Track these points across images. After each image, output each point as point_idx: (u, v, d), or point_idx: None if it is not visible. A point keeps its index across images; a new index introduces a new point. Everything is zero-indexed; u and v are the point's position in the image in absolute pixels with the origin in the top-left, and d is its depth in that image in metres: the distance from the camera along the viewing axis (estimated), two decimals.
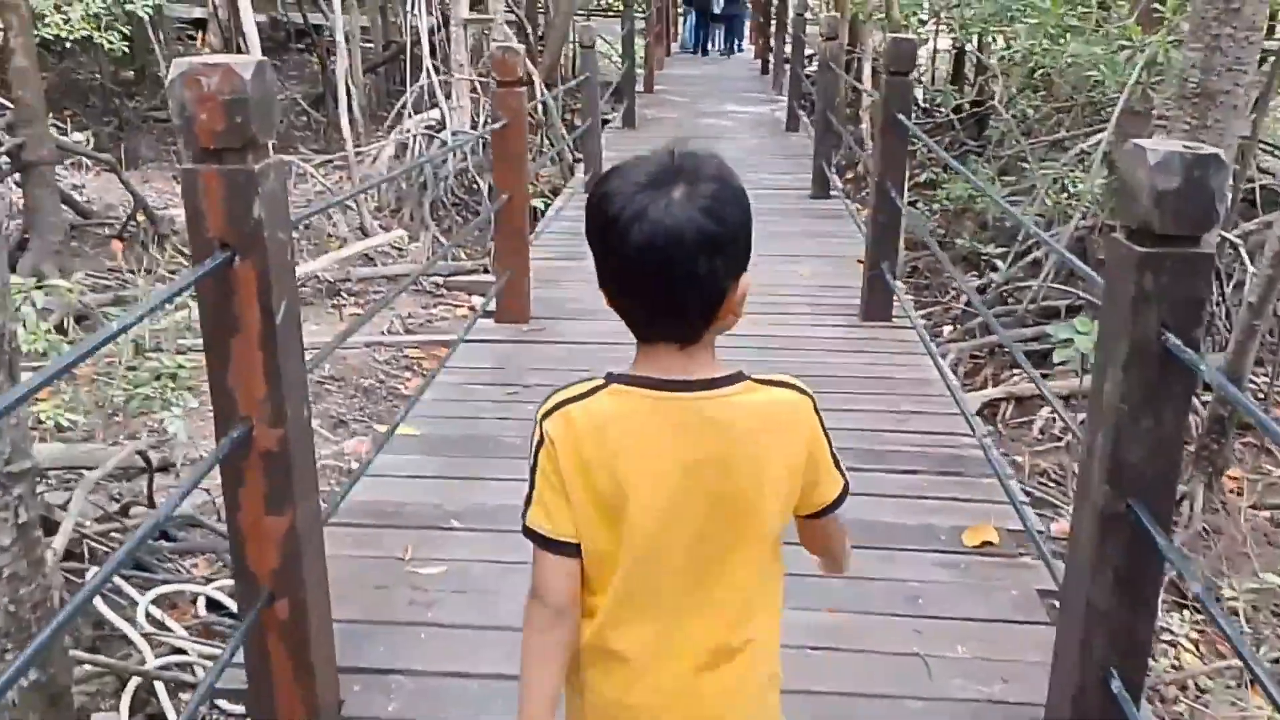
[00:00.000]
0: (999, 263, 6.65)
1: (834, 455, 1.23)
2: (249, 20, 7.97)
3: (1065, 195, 6.62)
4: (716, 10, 18.75)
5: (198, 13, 15.29)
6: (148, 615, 3.14)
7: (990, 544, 2.85)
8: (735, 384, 1.16)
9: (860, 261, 5.48)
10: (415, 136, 9.30)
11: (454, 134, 9.21)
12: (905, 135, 4.23)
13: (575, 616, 1.20)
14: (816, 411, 1.21)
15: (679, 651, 1.19)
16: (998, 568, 2.74)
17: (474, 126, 9.42)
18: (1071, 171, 6.62)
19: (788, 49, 12.53)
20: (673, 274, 1.07)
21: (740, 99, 11.96)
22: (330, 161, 9.59)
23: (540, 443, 1.17)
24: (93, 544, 3.34)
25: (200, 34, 16.16)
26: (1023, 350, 6.22)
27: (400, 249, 8.34)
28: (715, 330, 1.15)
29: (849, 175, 12.28)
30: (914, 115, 4.56)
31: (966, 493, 3.12)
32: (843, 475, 1.25)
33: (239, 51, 13.48)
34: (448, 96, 9.65)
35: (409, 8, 8.91)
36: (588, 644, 1.21)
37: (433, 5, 9.38)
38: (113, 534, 3.36)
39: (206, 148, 1.67)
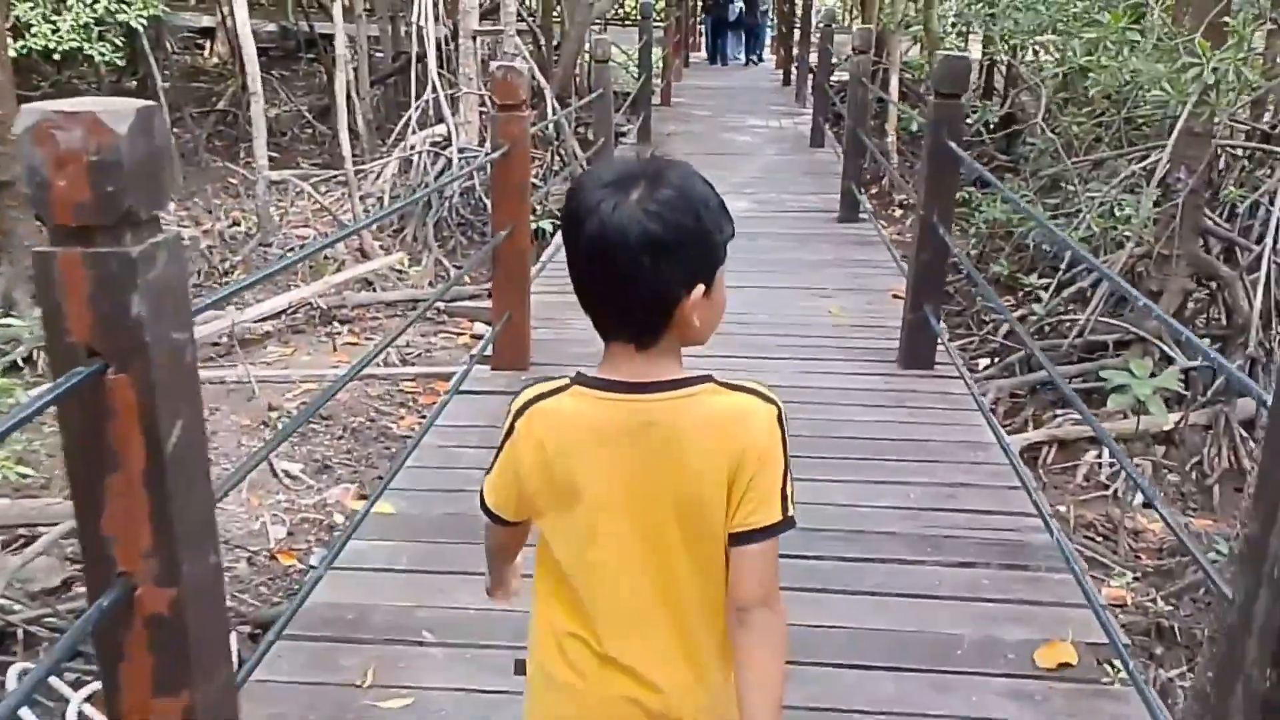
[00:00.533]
0: (1041, 293, 6.18)
1: (785, 482, 1.17)
2: (245, 29, 7.57)
3: (1114, 220, 6.15)
4: (731, 18, 18.41)
5: (206, 21, 14.99)
6: (80, 717, 2.72)
7: (1068, 665, 2.39)
8: (694, 386, 1.17)
9: (896, 296, 5.02)
10: (420, 153, 8.89)
11: (460, 151, 8.80)
12: (956, 164, 3.78)
13: (515, 556, 1.43)
14: (780, 425, 1.18)
15: (640, 650, 1.21)
16: (1082, 698, 2.28)
17: (482, 143, 9.02)
18: (1121, 195, 6.15)
19: (812, 58, 12.09)
20: (616, 271, 1.11)
21: (762, 112, 11.49)
22: (333, 177, 9.18)
23: (509, 434, 1.24)
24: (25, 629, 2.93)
25: (209, 42, 15.88)
26: (1074, 386, 5.79)
27: (401, 272, 7.92)
28: (678, 339, 1.17)
29: (873, 189, 11.85)
30: None
31: (1034, 593, 2.66)
32: (786, 509, 1.17)
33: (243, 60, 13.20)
34: (455, 111, 9.26)
35: (417, 18, 8.50)
36: (556, 631, 1.25)
37: (441, 15, 8.97)
38: (45, 620, 2.93)
39: (65, 225, 1.23)
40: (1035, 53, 8.54)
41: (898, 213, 10.07)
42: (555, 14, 12.38)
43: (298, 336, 7.01)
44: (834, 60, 9.39)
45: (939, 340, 4.05)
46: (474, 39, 9.05)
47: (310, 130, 12.80)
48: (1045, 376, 5.78)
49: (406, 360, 6.63)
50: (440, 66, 9.02)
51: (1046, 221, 4.00)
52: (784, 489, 1.16)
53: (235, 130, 12.19)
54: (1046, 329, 6.11)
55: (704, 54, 18.03)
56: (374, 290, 7.82)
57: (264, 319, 7.00)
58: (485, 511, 1.31)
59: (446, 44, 9.19)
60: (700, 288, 1.13)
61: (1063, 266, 6.18)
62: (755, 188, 7.55)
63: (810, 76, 12.12)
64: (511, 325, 3.98)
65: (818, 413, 3.64)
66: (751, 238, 6.11)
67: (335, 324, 7.24)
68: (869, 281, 5.34)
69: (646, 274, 1.10)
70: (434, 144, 9.06)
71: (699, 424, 1.16)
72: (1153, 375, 5.59)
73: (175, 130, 11.98)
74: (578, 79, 11.59)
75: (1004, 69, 8.89)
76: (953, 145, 3.61)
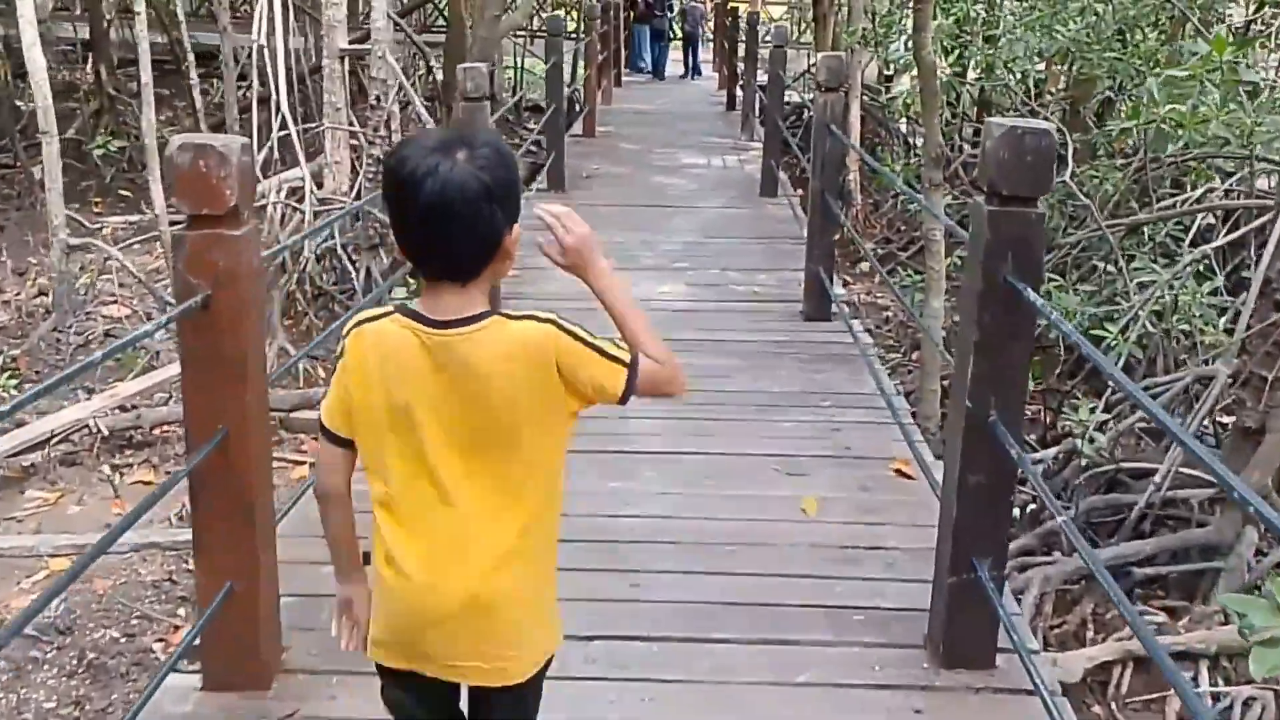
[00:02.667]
0: (1081, 410, 4.48)
1: (598, 345, 1.42)
2: (33, 45, 5.62)
3: (1182, 319, 4.52)
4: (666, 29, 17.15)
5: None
6: None
7: None
8: (483, 320, 1.40)
9: (901, 472, 3.31)
10: (273, 204, 7.01)
11: (321, 203, 6.93)
12: (1032, 320, 2.07)
13: (345, 499, 1.55)
14: (561, 329, 1.41)
15: (459, 544, 1.43)
16: None
17: (352, 188, 7.17)
18: (1183, 283, 4.52)
19: (758, 77, 10.40)
20: (458, 218, 1.33)
21: (702, 146, 9.69)
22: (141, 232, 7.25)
23: (340, 355, 1.46)
24: None
25: (90, 55, 13.68)
26: (1146, 573, 4.12)
27: None
28: (493, 274, 1.41)
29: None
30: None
31: None
32: (621, 353, 1.43)
33: (127, 76, 11.13)
34: (319, 150, 7.39)
35: (256, 34, 6.61)
36: (386, 535, 1.46)
37: (294, 28, 7.11)
38: None
39: None
40: (1037, 83, 6.93)
41: (863, 266, 8.42)
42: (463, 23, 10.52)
43: (71, 472, 5.11)
44: (787, 84, 7.67)
45: (1000, 623, 2.30)
46: (341, 60, 7.21)
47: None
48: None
49: None
50: (295, 94, 7.16)
51: (1067, 326, 2.37)
52: (601, 350, 1.42)
53: (84, 165, 10.19)
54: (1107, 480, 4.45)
55: (627, 68, 16.31)
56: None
57: (22, 450, 5.10)
58: (323, 433, 1.50)
59: (300, 64, 7.31)
60: (516, 226, 1.40)
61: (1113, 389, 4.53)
62: (691, 260, 5.78)
63: (757, 101, 10.42)
64: (235, 607, 2.16)
65: None
66: (688, 349, 4.36)
67: (129, 450, 5.36)
68: (857, 439, 3.58)
69: (483, 219, 1.34)
70: (294, 191, 7.19)
71: (495, 351, 1.39)
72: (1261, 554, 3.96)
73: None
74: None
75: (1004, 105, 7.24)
76: (1029, 294, 1.88)
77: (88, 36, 11.67)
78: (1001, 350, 2.12)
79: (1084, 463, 4.37)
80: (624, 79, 15.22)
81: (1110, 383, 4.59)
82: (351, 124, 7.30)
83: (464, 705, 1.60)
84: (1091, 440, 4.13)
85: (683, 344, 4.45)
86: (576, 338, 1.41)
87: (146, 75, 5.67)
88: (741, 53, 12.72)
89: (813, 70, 12.09)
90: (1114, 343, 4.50)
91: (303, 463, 5.33)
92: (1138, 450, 4.95)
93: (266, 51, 6.44)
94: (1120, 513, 4.64)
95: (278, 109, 6.75)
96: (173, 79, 11.71)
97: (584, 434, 3.58)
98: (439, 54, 11.44)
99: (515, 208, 1.39)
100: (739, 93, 12.34)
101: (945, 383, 5.28)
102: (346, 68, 7.22)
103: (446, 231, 1.33)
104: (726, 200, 7.34)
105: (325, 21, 7.15)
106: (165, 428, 5.46)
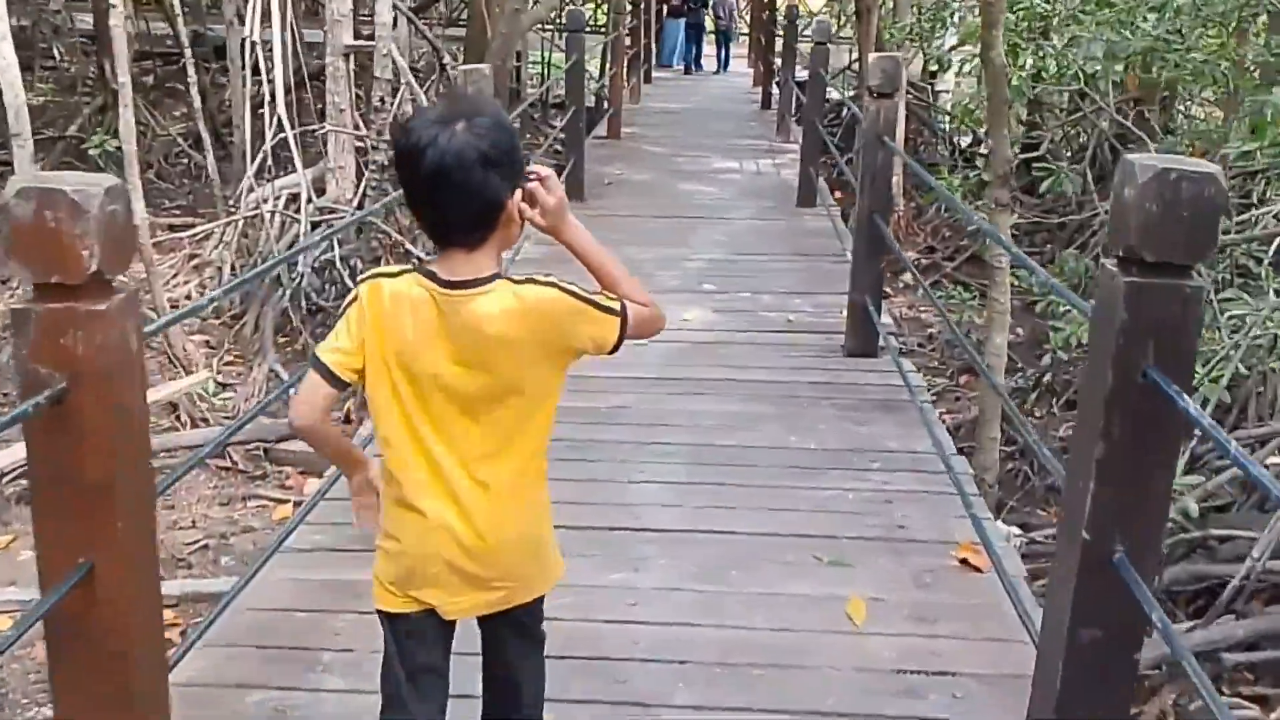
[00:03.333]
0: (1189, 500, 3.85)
1: (593, 300, 1.53)
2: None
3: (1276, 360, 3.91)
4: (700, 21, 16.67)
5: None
6: None
7: None
8: (492, 283, 1.49)
9: (966, 562, 2.77)
10: (270, 213, 6.53)
11: (321, 211, 6.45)
12: (1178, 433, 1.51)
13: (322, 425, 1.60)
14: (562, 290, 1.51)
15: (465, 486, 1.54)
16: None
17: (355, 193, 6.68)
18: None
19: (793, 72, 9.80)
20: (457, 187, 1.43)
21: (734, 149, 9.08)
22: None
23: (353, 300, 1.53)
24: None
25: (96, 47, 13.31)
26: (1236, 659, 3.54)
27: (207, 396, 5.55)
28: (502, 240, 1.52)
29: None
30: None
31: None
32: (612, 303, 1.55)
33: (141, 70, 10.68)
34: (323, 154, 6.91)
35: (249, 31, 6.12)
36: (397, 479, 1.56)
37: (292, 22, 6.61)
38: None
39: None
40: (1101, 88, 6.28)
41: (905, 278, 7.80)
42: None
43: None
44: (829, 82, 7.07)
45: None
46: (346, 58, 6.71)
47: (185, 161, 10.39)
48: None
49: (176, 560, 4.29)
50: (294, 95, 6.67)
51: (1234, 447, 1.77)
52: (596, 304, 1.53)
53: (86, 163, 9.76)
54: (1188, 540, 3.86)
55: (654, 63, 15.79)
56: (176, 422, 5.49)
57: None
58: (316, 367, 1.53)
59: (303, 60, 6.81)
60: (518, 192, 1.49)
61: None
62: (718, 280, 5.22)
63: (795, 100, 9.82)
64: None
65: None
66: (712, 390, 3.83)
67: None
68: (912, 515, 3.01)
69: (480, 184, 1.43)
70: (295, 199, 6.71)
71: (499, 312, 1.48)
72: None
73: None
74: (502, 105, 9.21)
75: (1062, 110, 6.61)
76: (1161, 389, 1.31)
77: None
78: (1137, 470, 1.56)
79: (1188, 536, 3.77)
80: (654, 75, 14.63)
81: (1198, 434, 3.99)
82: (358, 126, 6.82)
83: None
84: (1185, 512, 3.53)
85: (706, 385, 3.91)
86: (575, 295, 1.52)
87: (124, 74, 5.19)
88: (778, 47, 12.14)
89: (853, 68, 11.46)
90: (1199, 384, 3.91)
91: (286, 500, 4.85)
92: (1222, 510, 4.34)
93: (260, 48, 5.93)
94: (1202, 580, 4.06)
95: (273, 109, 6.25)
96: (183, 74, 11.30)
97: (585, 503, 3.10)
98: (460, 47, 10.94)
99: (516, 174, 1.48)
100: (774, 90, 11.74)
101: (1008, 444, 4.69)
102: (352, 66, 6.71)
103: (447, 198, 1.44)
104: (759, 210, 6.75)
105: (328, 16, 6.66)
106: None
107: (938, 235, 9.02)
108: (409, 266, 1.54)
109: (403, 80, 7.09)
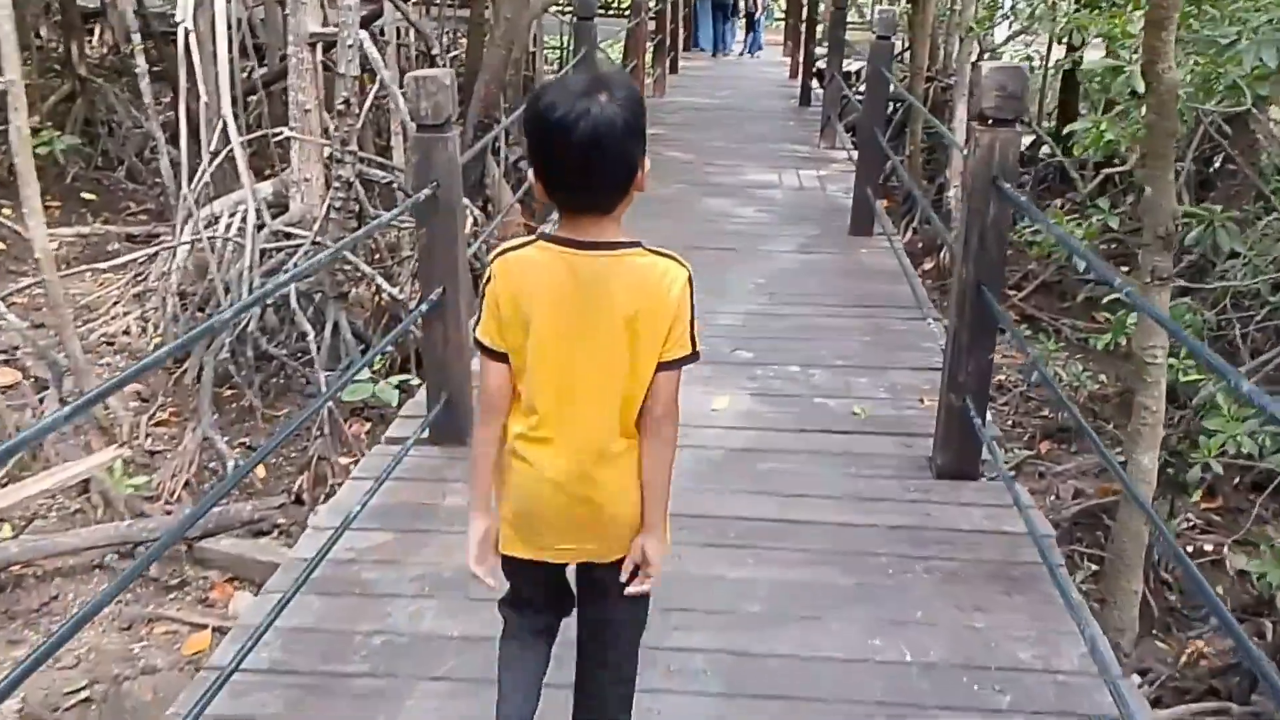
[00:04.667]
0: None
1: (693, 326, 1.60)
2: None
3: None
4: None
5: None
6: None
7: None
8: (630, 248, 1.57)
9: None
10: (211, 240, 5.44)
11: (277, 235, 5.36)
12: None
13: (504, 415, 1.67)
14: (690, 285, 1.59)
15: (576, 443, 1.62)
16: None
17: (322, 205, 5.58)
18: None
19: (839, 66, 8.58)
20: (609, 153, 1.49)
21: (771, 155, 7.85)
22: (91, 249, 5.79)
23: (488, 279, 1.62)
24: None
25: (98, 27, 12.25)
26: None
27: (149, 458, 4.47)
28: (626, 204, 1.58)
29: (928, 264, 8.33)
30: None
31: None
32: (694, 345, 1.61)
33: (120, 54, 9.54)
34: (283, 163, 5.81)
35: (184, 17, 5.00)
36: (519, 432, 1.65)
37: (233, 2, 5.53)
38: None
39: None
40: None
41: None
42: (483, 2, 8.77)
43: None
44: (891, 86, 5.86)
45: None
46: (312, 48, 5.61)
47: (157, 161, 9.30)
48: None
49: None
50: (237, 94, 5.57)
51: None
52: (692, 332, 1.60)
53: (38, 159, 8.70)
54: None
55: (685, 50, 14.74)
56: (87, 504, 4.43)
57: None
58: (479, 347, 1.65)
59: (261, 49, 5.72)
60: (645, 158, 1.56)
61: None
62: (757, 345, 4.06)
63: (841, 99, 8.63)
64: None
65: None
66: (748, 544, 2.75)
67: None
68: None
69: (628, 153, 1.51)
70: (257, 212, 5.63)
71: (632, 276, 1.56)
72: None
73: None
74: (509, 96, 8.04)
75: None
76: None
77: (98, 5, 10.13)
78: None
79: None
80: (680, 64, 13.41)
81: None
82: (326, 130, 5.72)
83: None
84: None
85: (742, 531, 2.80)
86: (691, 298, 1.60)
87: (12, 70, 4.11)
88: (819, 34, 10.91)
89: (903, 59, 10.25)
90: None
91: (204, 625, 3.79)
92: None
93: (194, 36, 4.84)
94: None
95: (217, 111, 5.15)
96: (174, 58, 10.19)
97: None
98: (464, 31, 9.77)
99: (644, 141, 1.55)
100: (814, 85, 10.53)
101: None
102: (317, 56, 5.61)
103: (601, 166, 1.50)
104: (805, 240, 5.57)
105: None
106: (30, 567, 3.94)
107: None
108: (534, 236, 1.61)
109: (385, 75, 5.99)
